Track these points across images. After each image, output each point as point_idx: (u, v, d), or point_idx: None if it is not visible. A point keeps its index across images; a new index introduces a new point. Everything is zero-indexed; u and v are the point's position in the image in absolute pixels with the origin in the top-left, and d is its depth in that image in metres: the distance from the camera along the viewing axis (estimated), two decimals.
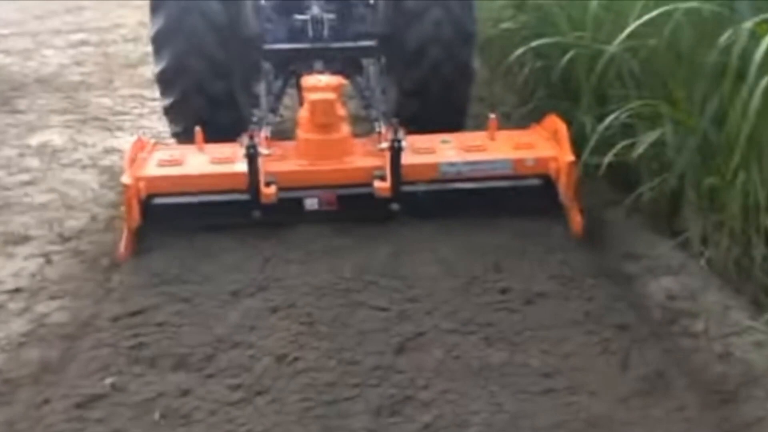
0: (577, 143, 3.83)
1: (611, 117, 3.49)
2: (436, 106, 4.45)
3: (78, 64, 7.75)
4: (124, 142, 5.13)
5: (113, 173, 4.64)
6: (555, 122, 4.04)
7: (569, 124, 3.97)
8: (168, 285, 3.32)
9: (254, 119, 4.22)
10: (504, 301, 3.15)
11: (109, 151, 5.26)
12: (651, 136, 3.41)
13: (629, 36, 3.36)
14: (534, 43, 4.21)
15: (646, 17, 3.22)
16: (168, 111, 4.45)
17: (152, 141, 4.20)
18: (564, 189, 3.74)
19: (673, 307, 3.09)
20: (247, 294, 3.21)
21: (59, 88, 6.99)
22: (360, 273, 3.33)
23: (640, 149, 3.44)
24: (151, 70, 4.77)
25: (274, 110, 4.67)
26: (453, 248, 3.51)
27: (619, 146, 3.52)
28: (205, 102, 4.25)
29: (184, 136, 4.45)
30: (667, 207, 3.61)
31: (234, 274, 3.37)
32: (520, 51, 4.16)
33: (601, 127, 3.48)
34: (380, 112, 4.32)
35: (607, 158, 3.48)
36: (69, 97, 6.62)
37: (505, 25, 5.18)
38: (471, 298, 3.17)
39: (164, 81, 4.31)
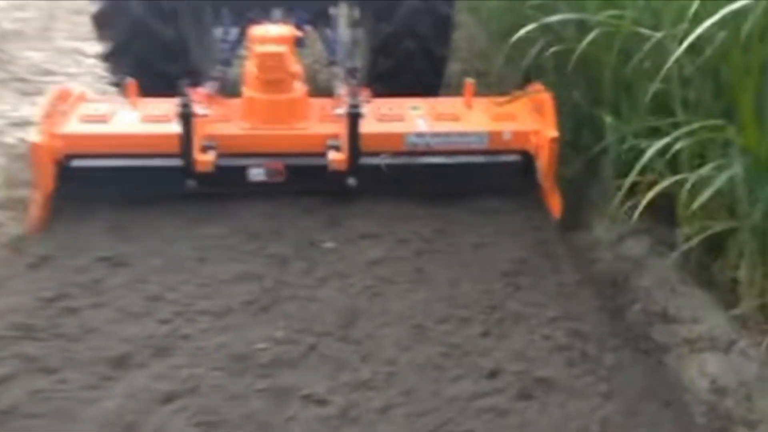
0: (590, 138, 3.22)
1: (662, 142, 2.47)
2: (409, 65, 4.00)
3: (18, 8, 6.60)
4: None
5: (17, 156, 3.68)
6: (540, 92, 3.51)
7: (584, 118, 3.35)
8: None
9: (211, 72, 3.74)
10: (492, 393, 2.23)
11: (17, 123, 4.18)
12: (712, 174, 2.35)
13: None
14: (549, 19, 3.18)
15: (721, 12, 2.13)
16: (107, 58, 3.89)
17: (78, 91, 3.56)
18: (544, 168, 3.27)
19: (720, 407, 2.15)
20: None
21: None
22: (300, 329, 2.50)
23: (688, 184, 2.43)
24: None
25: (226, 62, 4.15)
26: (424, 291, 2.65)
27: (664, 183, 2.48)
28: (147, 48, 3.70)
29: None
30: (715, 252, 2.59)
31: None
32: (529, 27, 3.15)
33: (650, 151, 2.47)
34: (344, 70, 3.79)
35: (648, 197, 2.45)
36: None
37: None
38: (447, 387, 2.24)
39: (101, 23, 3.74)
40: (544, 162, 3.27)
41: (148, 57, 3.70)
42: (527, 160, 3.38)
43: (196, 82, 3.50)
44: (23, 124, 4.14)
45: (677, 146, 2.49)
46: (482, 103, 3.62)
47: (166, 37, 3.70)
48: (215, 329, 2.46)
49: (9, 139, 4.04)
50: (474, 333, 2.48)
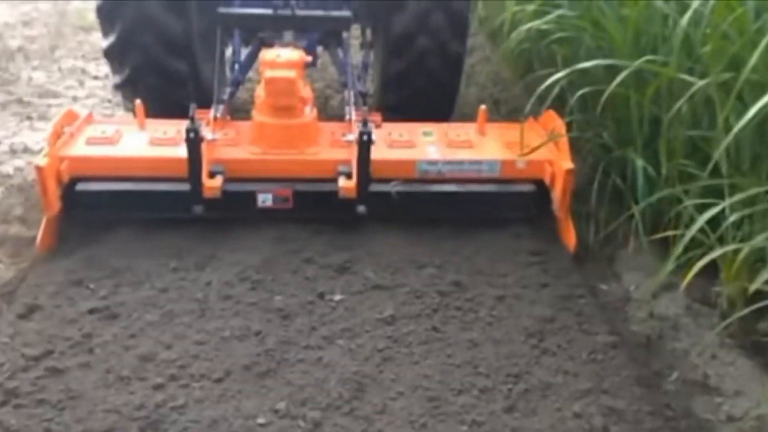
0: (622, 187, 2.95)
1: (711, 213, 2.22)
2: (422, 93, 3.65)
3: (25, 24, 6.16)
4: (41, 137, 3.87)
5: (12, 188, 3.38)
6: (554, 120, 3.21)
7: (612, 160, 3.05)
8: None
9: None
10: None
11: (16, 151, 3.82)
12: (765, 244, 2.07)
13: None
14: (582, 65, 2.90)
15: None
16: (120, 88, 3.65)
17: (86, 112, 3.34)
18: (559, 199, 3.01)
19: None
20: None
21: None
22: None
23: (741, 255, 2.17)
24: None
25: (236, 83, 4.09)
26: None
27: (713, 255, 2.20)
28: (159, 79, 3.48)
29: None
30: (760, 313, 2.25)
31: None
32: (559, 76, 2.87)
33: (699, 221, 2.21)
34: (354, 93, 3.47)
35: (695, 269, 2.19)
36: None
37: (528, 25, 3.55)
38: None
39: (113, 58, 3.53)
40: (559, 193, 2.98)
41: (161, 87, 3.48)
42: (541, 189, 3.13)
43: (205, 104, 3.19)
44: (22, 151, 3.79)
45: (731, 218, 2.15)
46: (496, 130, 3.32)
47: (175, 68, 3.49)
48: (212, 398, 2.11)
49: (7, 169, 3.62)
50: (497, 408, 2.12)
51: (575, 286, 2.76)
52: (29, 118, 4.33)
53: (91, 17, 6.15)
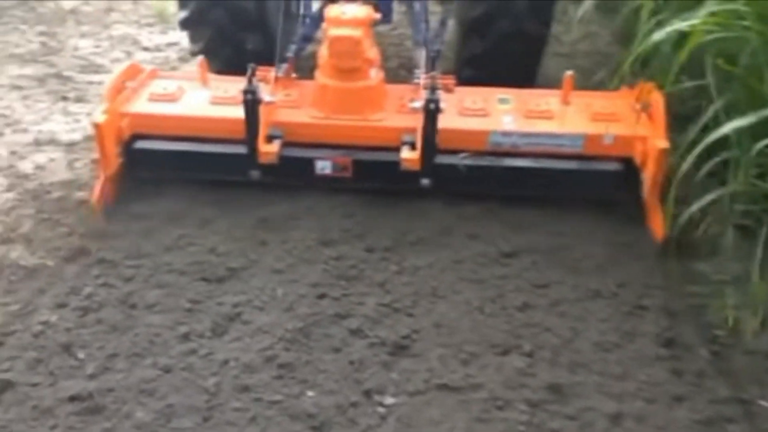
0: None
1: None
2: (503, 50, 3.32)
3: None
4: (74, 125, 3.55)
5: (26, 194, 2.96)
6: (651, 91, 2.83)
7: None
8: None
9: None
10: None
11: (41, 142, 3.39)
12: None
13: None
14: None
15: None
16: (184, 25, 3.51)
17: (150, 68, 3.24)
18: (650, 182, 2.66)
19: None
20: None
21: (42, 16, 4.95)
22: None
23: None
24: None
25: (306, 38, 3.89)
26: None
27: None
28: (226, 17, 3.33)
29: (206, 57, 3.75)
30: None
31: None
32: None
33: None
34: (428, 53, 3.18)
35: None
36: (45, 33, 4.69)
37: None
38: None
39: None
40: (650, 174, 2.65)
41: (226, 26, 3.34)
42: (629, 170, 2.78)
43: (271, 60, 3.06)
44: (47, 142, 3.40)
45: None
46: (581, 99, 2.98)
47: (246, 7, 3.34)
48: None
49: (25, 166, 3.19)
50: None
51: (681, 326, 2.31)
52: (65, 98, 3.88)
53: None
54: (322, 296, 2.43)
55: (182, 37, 4.34)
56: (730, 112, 2.46)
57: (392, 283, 2.50)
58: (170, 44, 4.65)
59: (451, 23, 3.61)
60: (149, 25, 4.97)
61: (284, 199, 2.89)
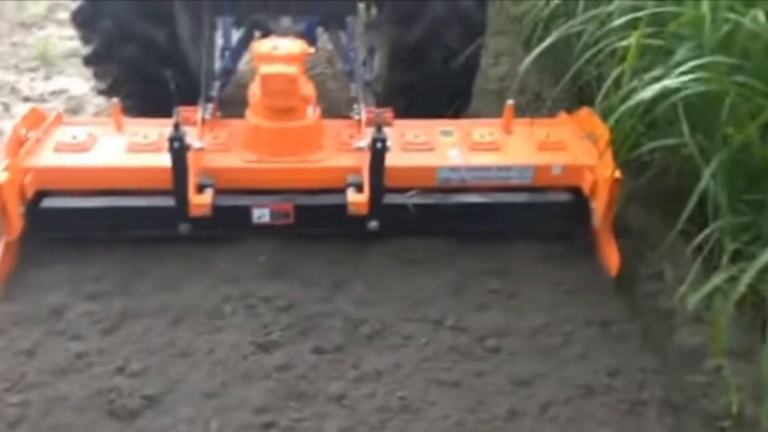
0: None
1: None
2: (435, 80, 3.20)
3: None
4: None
5: None
6: (592, 119, 2.78)
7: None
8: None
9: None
10: None
11: None
12: None
13: None
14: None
15: None
16: (89, 61, 3.18)
17: (55, 112, 2.89)
18: (601, 213, 2.59)
19: None
20: None
21: None
22: None
23: None
24: None
25: (228, 73, 3.63)
26: None
27: None
28: (137, 51, 3.02)
29: (113, 95, 3.44)
30: None
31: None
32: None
33: None
34: (362, 86, 3.05)
35: None
36: None
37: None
38: None
39: (79, 23, 3.05)
40: (601, 204, 2.58)
41: (138, 60, 3.05)
42: (579, 200, 2.71)
43: (187, 97, 2.81)
44: None
45: None
46: (523, 128, 2.90)
47: (156, 38, 3.05)
48: None
49: None
50: None
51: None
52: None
53: (33, 9, 5.05)
54: (269, 426, 1.99)
55: (71, 84, 4.02)
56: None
57: (352, 395, 2.08)
58: (56, 92, 4.03)
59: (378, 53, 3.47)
60: (31, 69, 4.31)
61: (200, 271, 2.56)
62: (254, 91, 2.66)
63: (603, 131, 2.67)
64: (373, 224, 2.63)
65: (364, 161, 2.59)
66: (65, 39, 4.46)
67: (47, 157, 2.63)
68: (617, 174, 2.53)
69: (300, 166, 2.66)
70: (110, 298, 2.41)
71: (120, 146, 2.71)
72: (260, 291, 2.43)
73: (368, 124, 2.72)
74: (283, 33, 2.81)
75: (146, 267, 2.56)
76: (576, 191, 2.75)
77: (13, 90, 4.07)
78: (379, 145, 2.46)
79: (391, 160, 2.60)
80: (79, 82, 4.02)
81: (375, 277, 2.56)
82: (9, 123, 3.33)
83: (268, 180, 2.65)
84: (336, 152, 2.73)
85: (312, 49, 2.67)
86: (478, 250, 2.71)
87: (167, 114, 2.52)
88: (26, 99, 3.95)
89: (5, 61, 4.41)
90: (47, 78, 4.21)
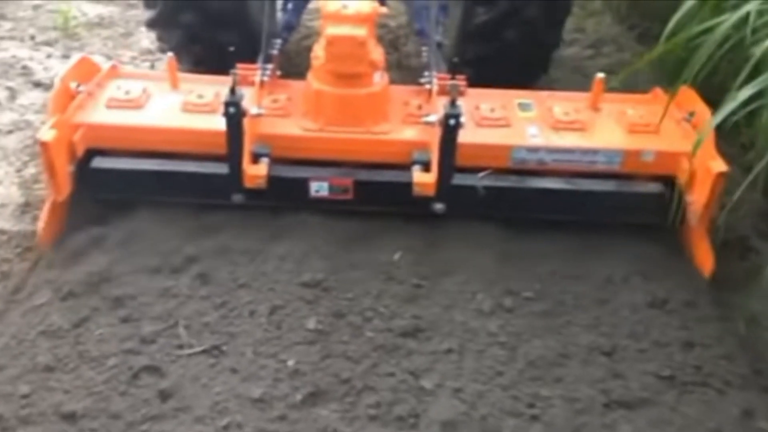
0: None
1: None
2: (513, 42, 2.92)
3: None
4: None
5: None
6: (693, 99, 2.47)
7: None
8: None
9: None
10: None
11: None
12: None
13: None
14: None
15: None
16: (153, 25, 3.08)
17: (108, 64, 2.73)
18: (697, 206, 2.31)
19: None
20: None
21: None
22: None
23: None
24: None
25: (289, 28, 3.39)
26: None
27: None
28: (200, 16, 2.91)
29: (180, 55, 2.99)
30: None
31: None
32: None
33: None
34: (434, 50, 2.79)
35: None
36: None
37: None
38: None
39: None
40: (701, 199, 2.28)
41: (199, 26, 2.92)
42: (672, 191, 2.40)
43: (253, 57, 2.62)
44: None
45: None
46: (613, 105, 2.60)
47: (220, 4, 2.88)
48: None
49: None
50: None
51: None
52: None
53: None
54: None
55: None
56: None
57: None
58: None
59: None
60: (47, 43, 3.84)
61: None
62: (318, 53, 2.43)
63: (703, 111, 2.35)
64: (439, 206, 2.42)
65: (432, 136, 2.36)
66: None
67: (99, 113, 2.48)
68: (722, 166, 2.21)
69: (363, 137, 2.45)
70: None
71: (174, 105, 2.54)
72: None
73: (440, 93, 2.46)
74: None
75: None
76: (669, 182, 2.45)
77: (24, 70, 3.55)
78: (452, 121, 2.22)
79: (463, 136, 2.35)
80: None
81: None
82: (9, 115, 3.15)
83: (328, 151, 2.45)
84: (402, 124, 2.50)
85: (384, 9, 2.40)
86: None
87: (227, 72, 2.32)
88: (37, 84, 3.44)
89: (19, 31, 3.96)
90: (64, 56, 3.70)
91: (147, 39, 3.90)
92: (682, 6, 2.26)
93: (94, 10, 4.36)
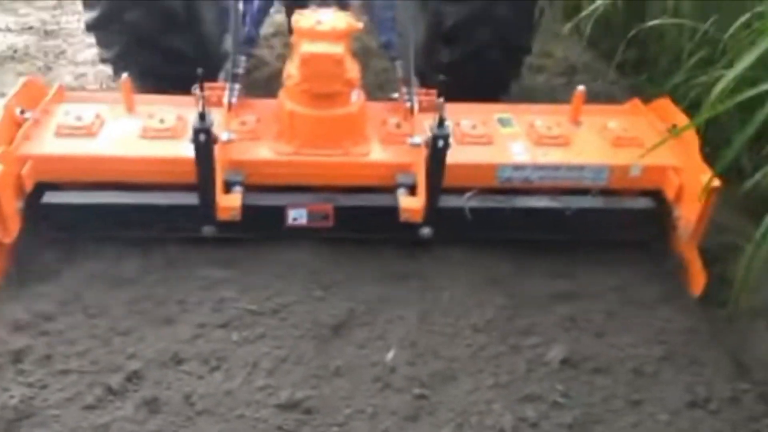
0: None
1: None
2: (482, 54, 2.85)
3: None
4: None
5: None
6: (670, 110, 2.44)
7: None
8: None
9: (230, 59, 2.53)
10: None
11: None
12: None
13: None
14: None
15: None
16: (93, 27, 2.80)
17: (54, 85, 2.49)
18: (689, 223, 2.23)
19: None
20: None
21: None
22: None
23: None
24: None
25: (251, 41, 3.19)
26: None
27: None
28: (145, 16, 2.68)
29: (119, 65, 2.83)
30: None
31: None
32: None
33: None
34: (408, 64, 2.60)
35: None
36: None
37: None
38: None
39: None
40: (690, 214, 2.21)
41: (143, 27, 2.68)
42: (661, 206, 2.36)
43: (212, 73, 2.51)
44: None
45: None
46: (593, 118, 2.53)
47: (172, 5, 2.67)
48: None
49: None
50: None
51: None
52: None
53: None
54: None
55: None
56: None
57: None
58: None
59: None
60: None
61: None
62: (291, 71, 2.27)
63: (683, 121, 2.32)
64: (426, 231, 2.29)
65: (416, 157, 2.23)
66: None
67: (48, 143, 2.24)
68: (715, 181, 2.16)
69: (342, 160, 2.29)
70: None
71: (132, 131, 2.33)
72: None
73: (421, 110, 2.34)
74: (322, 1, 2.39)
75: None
76: (657, 196, 2.40)
77: None
78: (440, 143, 2.09)
79: (447, 155, 2.23)
80: None
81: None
82: None
83: (305, 175, 2.29)
84: (383, 145, 2.36)
85: (360, 24, 2.25)
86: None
87: (180, 88, 2.12)
88: None
89: None
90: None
91: (70, 74, 3.49)
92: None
93: (5, 41, 3.91)
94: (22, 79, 2.45)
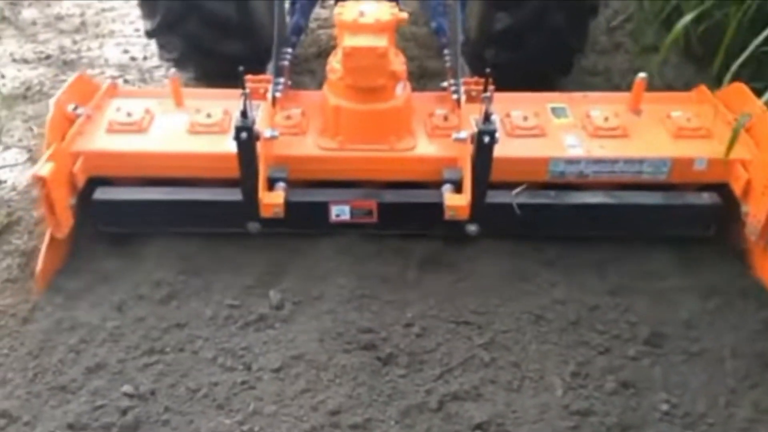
0: None
1: None
2: (537, 42, 2.73)
3: None
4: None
5: None
6: (745, 96, 2.25)
7: None
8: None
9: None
10: None
11: None
12: None
13: None
14: None
15: None
16: (152, 34, 2.90)
17: (107, 81, 2.53)
18: (758, 219, 2.08)
19: None
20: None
21: None
22: None
23: None
24: None
25: (298, 31, 3.13)
26: None
27: None
28: (200, 26, 2.77)
29: (180, 67, 2.92)
30: None
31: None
32: None
33: None
34: (456, 53, 2.50)
35: None
36: None
37: None
38: None
39: None
40: (759, 210, 2.06)
41: (200, 34, 2.77)
42: (727, 201, 2.20)
43: (259, 62, 2.51)
44: None
45: None
46: (654, 107, 2.39)
47: (222, 9, 2.73)
48: None
49: None
50: None
51: None
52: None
53: None
54: None
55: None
56: None
57: None
58: None
59: None
60: None
61: None
62: (334, 65, 2.22)
63: (758, 108, 2.13)
64: (473, 228, 2.21)
65: (463, 151, 2.15)
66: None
67: (100, 140, 2.28)
68: None
69: (387, 155, 2.24)
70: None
71: (180, 126, 2.33)
72: None
73: (468, 101, 2.25)
74: None
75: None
76: (723, 191, 2.24)
77: None
78: (486, 139, 2.00)
79: (495, 149, 2.13)
80: None
81: None
82: None
83: (348, 171, 2.24)
84: (429, 139, 2.28)
85: (405, 15, 2.17)
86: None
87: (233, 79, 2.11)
88: None
89: None
90: None
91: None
92: None
93: (19, 76, 3.37)
94: (73, 74, 2.45)
